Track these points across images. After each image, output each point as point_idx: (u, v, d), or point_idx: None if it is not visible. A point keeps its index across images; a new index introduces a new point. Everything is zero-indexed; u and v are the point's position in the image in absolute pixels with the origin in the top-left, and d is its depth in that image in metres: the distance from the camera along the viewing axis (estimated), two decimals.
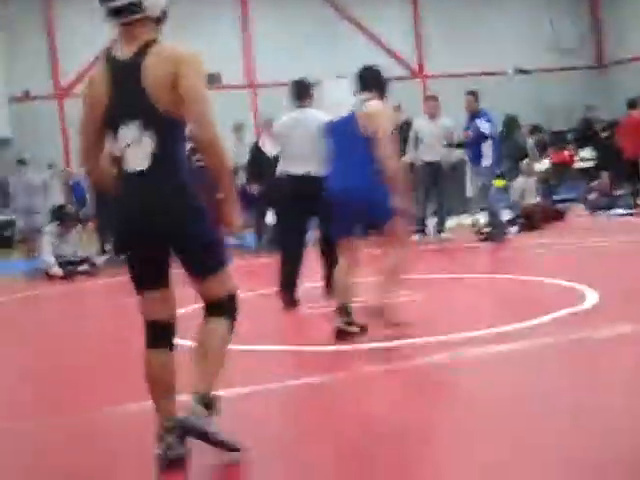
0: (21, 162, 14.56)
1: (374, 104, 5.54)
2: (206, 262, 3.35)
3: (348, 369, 4.87)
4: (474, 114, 10.93)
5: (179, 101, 3.20)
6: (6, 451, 3.89)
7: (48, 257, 11.19)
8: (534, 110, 21.61)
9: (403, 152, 11.74)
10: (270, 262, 8.38)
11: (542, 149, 16.68)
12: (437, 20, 23.39)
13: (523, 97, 22.55)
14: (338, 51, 22.29)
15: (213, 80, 22.00)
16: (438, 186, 11.55)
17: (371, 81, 5.74)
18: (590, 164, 15.60)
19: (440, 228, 11.62)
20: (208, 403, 3.25)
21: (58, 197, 14.60)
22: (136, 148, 3.25)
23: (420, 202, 11.61)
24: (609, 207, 12.76)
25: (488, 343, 5.03)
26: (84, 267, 11.37)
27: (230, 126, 13.11)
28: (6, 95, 19.87)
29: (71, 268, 11.23)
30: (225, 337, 3.39)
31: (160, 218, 3.25)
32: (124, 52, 3.29)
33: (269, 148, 11.47)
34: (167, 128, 3.25)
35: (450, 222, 12.22)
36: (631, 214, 12.52)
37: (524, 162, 13.30)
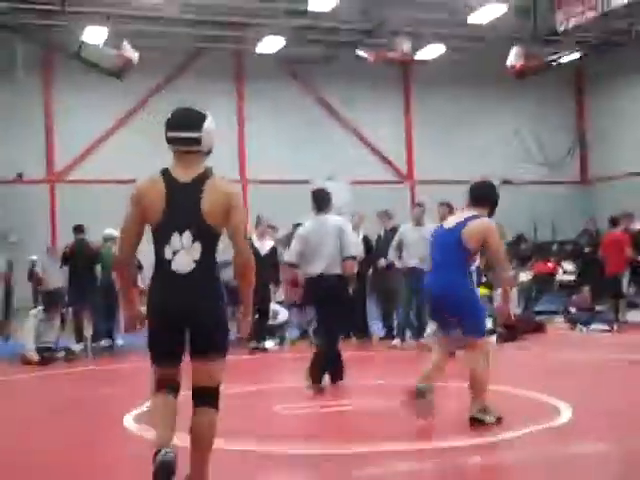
0: None
1: (486, 222, 5.98)
2: (216, 349, 4.11)
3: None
4: None
5: (224, 223, 4.08)
6: None
7: (29, 342, 11.14)
8: (519, 221, 21.92)
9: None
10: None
11: (526, 259, 16.89)
12: (428, 128, 23.95)
13: (509, 207, 22.85)
14: (330, 153, 22.71)
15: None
16: (420, 292, 11.61)
17: (484, 197, 6.15)
18: (572, 277, 15.76)
19: (420, 333, 11.64)
20: None
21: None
22: (185, 254, 4.04)
23: (404, 306, 11.70)
24: (589, 322, 12.83)
25: (457, 454, 5.01)
26: (61, 354, 11.32)
27: None
28: None
29: (48, 354, 11.16)
30: (215, 426, 4.12)
31: (196, 311, 4.04)
32: (183, 176, 4.12)
33: (258, 245, 11.70)
34: (211, 241, 4.09)
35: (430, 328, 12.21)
36: (610, 330, 12.60)
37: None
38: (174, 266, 4.04)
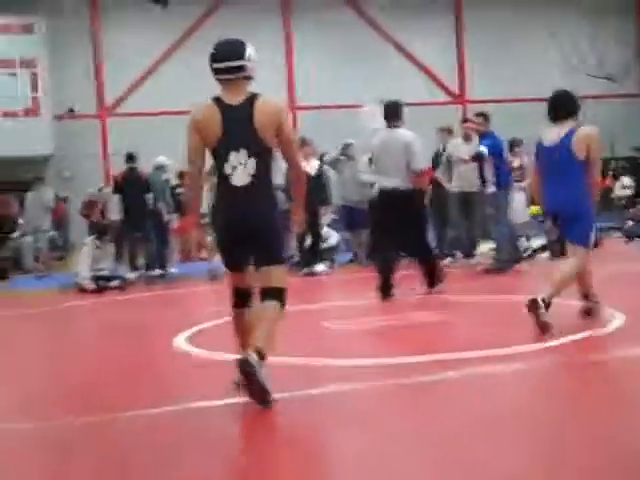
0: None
1: (588, 129, 6.15)
2: (273, 256, 4.57)
3: (365, 381, 4.79)
4: (482, 136, 10.72)
5: (275, 138, 4.52)
6: (39, 448, 3.95)
7: (83, 270, 11.32)
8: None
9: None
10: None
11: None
12: (480, 46, 23.32)
13: None
14: (379, 74, 22.32)
15: None
16: (472, 214, 11.47)
17: (572, 109, 6.27)
18: (629, 192, 15.38)
19: (471, 253, 11.53)
20: (261, 355, 4.24)
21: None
22: (242, 169, 4.49)
23: (455, 227, 11.58)
24: None
25: (511, 361, 4.97)
26: (115, 282, 11.49)
27: None
28: (51, 113, 20.26)
29: (102, 283, 11.35)
30: (278, 312, 4.51)
31: (254, 220, 4.52)
32: (233, 100, 4.52)
33: (306, 168, 11.54)
34: (265, 156, 4.53)
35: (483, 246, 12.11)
36: None
37: None
38: (233, 181, 4.50)
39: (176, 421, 4.19)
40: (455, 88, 23.76)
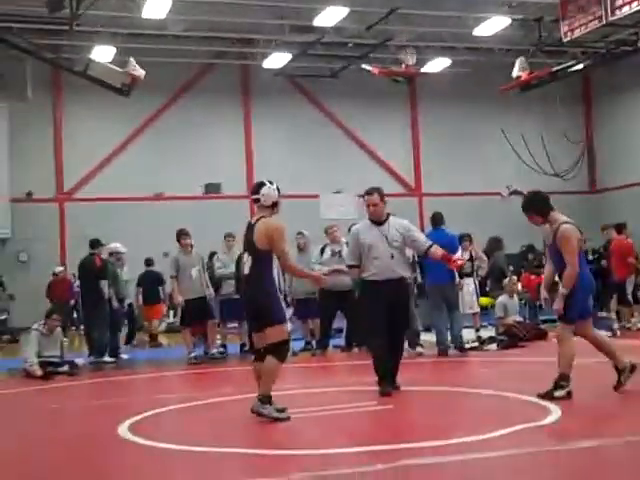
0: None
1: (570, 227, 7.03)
2: (265, 322, 6.60)
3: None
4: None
5: (268, 248, 6.66)
6: None
7: (31, 356, 11.23)
8: (528, 231, 21.85)
9: None
10: None
11: (537, 267, 16.88)
12: (435, 141, 24.08)
13: (517, 218, 22.85)
14: (338, 166, 22.83)
15: (213, 189, 22.50)
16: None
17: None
18: None
19: (417, 341, 11.71)
20: (263, 400, 6.47)
21: None
22: (246, 264, 6.78)
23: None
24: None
25: (453, 453, 5.06)
26: (65, 368, 11.39)
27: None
28: (9, 196, 20.35)
29: (52, 368, 11.24)
30: (274, 365, 6.54)
31: (251, 302, 6.76)
32: (253, 220, 6.86)
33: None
34: (258, 258, 6.68)
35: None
36: (613, 335, 12.58)
37: (505, 280, 13.44)
38: (244, 270, 6.84)
39: None
40: (411, 181, 24.32)
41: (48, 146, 21.41)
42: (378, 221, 7.93)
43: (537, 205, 7.17)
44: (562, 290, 6.98)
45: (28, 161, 20.81)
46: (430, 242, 8.00)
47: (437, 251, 7.87)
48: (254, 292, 6.68)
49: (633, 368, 7.10)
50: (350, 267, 8.13)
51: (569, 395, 6.84)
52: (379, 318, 7.68)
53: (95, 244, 13.12)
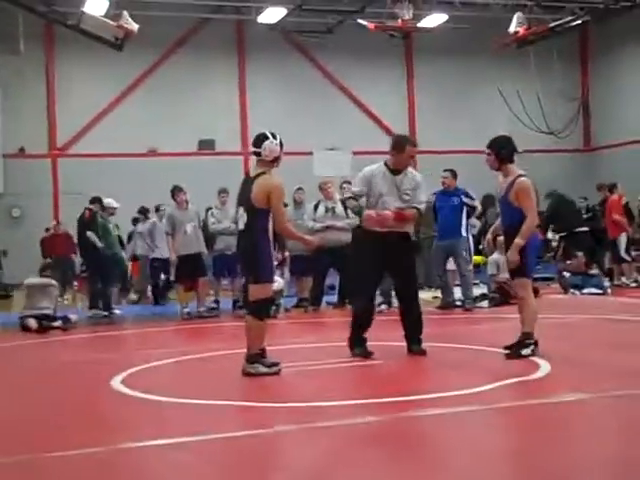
0: None
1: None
2: (251, 276, 6.64)
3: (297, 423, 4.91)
4: (452, 192, 11.42)
5: (265, 206, 6.49)
6: None
7: (26, 310, 11.32)
8: None
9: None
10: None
11: None
12: (430, 98, 23.89)
13: None
14: (332, 123, 22.70)
15: (207, 146, 22.40)
16: None
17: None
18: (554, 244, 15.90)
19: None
20: (250, 360, 6.47)
21: None
22: (241, 219, 6.64)
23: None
24: (582, 286, 12.91)
25: (443, 406, 5.12)
26: (58, 323, 11.45)
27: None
28: (1, 151, 20.25)
29: (46, 323, 11.30)
30: (255, 325, 6.48)
31: (244, 255, 6.81)
32: (252, 174, 6.64)
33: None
34: (254, 214, 6.53)
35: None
36: (603, 293, 12.70)
37: (499, 238, 13.45)
38: (240, 226, 6.71)
39: (104, 462, 4.25)
40: None
41: (41, 101, 21.22)
42: (396, 169, 7.27)
43: (502, 147, 6.97)
44: (518, 240, 6.76)
45: (20, 116, 20.64)
46: (421, 206, 7.34)
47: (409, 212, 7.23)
48: (247, 246, 6.57)
49: (536, 344, 6.87)
50: (352, 198, 7.37)
51: (534, 352, 6.75)
52: (370, 275, 7.27)
53: (92, 200, 13.29)
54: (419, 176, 7.44)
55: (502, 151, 6.95)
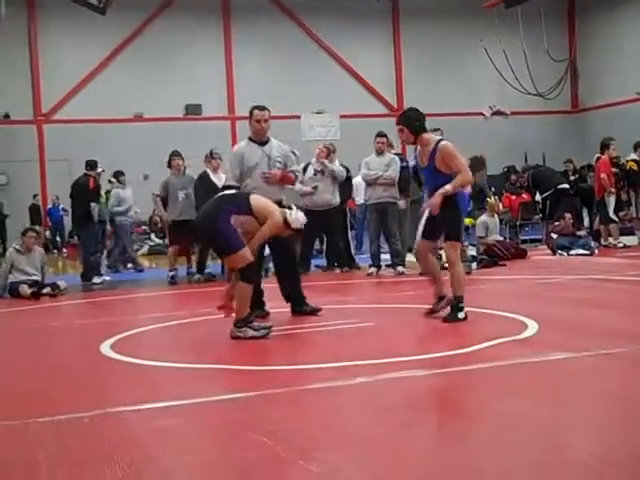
0: None
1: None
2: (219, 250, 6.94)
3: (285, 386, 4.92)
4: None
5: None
6: None
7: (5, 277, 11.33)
8: (510, 151, 21.86)
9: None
10: None
11: (520, 187, 16.98)
12: (417, 60, 23.79)
13: (500, 138, 22.83)
14: (319, 87, 22.58)
15: (193, 111, 22.24)
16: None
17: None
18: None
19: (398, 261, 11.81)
20: (238, 324, 6.53)
21: None
22: None
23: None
24: (570, 247, 12.96)
25: (432, 367, 5.14)
26: (47, 289, 11.42)
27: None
28: None
29: (34, 289, 11.28)
30: (242, 288, 6.51)
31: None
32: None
33: (215, 179, 11.79)
34: None
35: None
36: (591, 254, 12.75)
37: (491, 200, 13.50)
38: None
39: (94, 426, 4.25)
40: (393, 101, 24.11)
41: (24, 67, 21.02)
42: (260, 141, 7.64)
43: (412, 120, 6.86)
44: (448, 187, 6.69)
45: (4, 82, 20.44)
46: (299, 172, 8.12)
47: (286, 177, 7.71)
48: (205, 222, 6.67)
49: (449, 301, 6.98)
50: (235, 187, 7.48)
51: (466, 315, 6.83)
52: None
53: (92, 165, 13.06)
54: (287, 147, 7.93)
55: (416, 123, 6.85)
